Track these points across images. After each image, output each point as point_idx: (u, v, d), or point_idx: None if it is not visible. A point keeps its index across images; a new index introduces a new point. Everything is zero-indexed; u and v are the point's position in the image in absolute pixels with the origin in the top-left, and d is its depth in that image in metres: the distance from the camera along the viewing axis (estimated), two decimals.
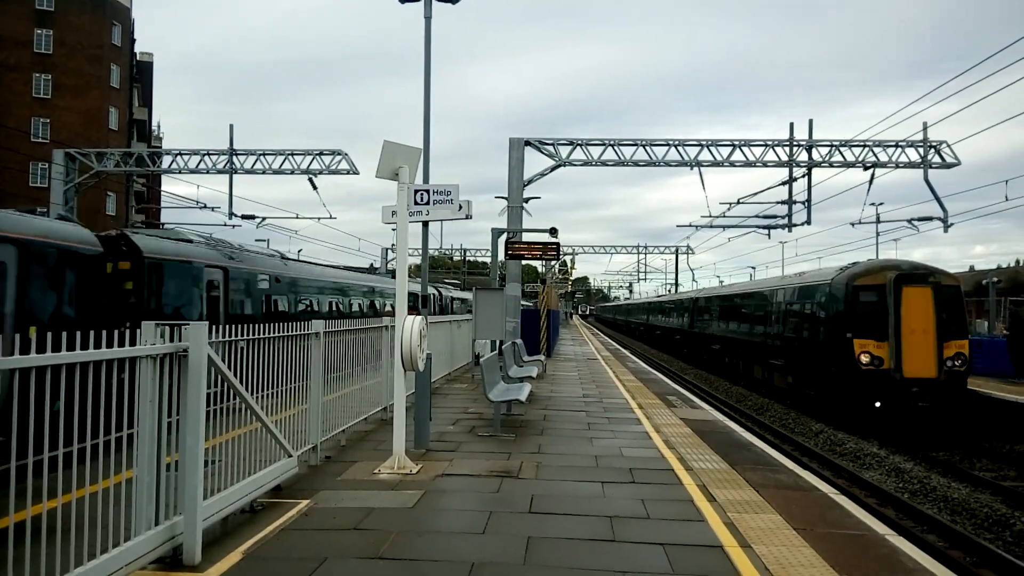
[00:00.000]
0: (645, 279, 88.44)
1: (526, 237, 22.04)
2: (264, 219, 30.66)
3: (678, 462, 8.73)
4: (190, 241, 14.39)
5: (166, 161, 29.61)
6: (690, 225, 34.52)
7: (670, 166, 24.56)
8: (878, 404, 16.87)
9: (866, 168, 24.21)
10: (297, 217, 31.96)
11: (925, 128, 23.43)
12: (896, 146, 23.87)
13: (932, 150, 23.61)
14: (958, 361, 16.97)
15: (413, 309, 9.74)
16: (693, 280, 72.33)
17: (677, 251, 67.32)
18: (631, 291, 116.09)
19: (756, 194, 27.71)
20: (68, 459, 4.02)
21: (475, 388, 15.43)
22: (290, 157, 27.94)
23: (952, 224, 24.54)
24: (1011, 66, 15.92)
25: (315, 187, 28.20)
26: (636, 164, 24.37)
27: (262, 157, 28.05)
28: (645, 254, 69.91)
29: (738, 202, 28.49)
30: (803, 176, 25.32)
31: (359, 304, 24.12)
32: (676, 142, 24.32)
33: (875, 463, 14.34)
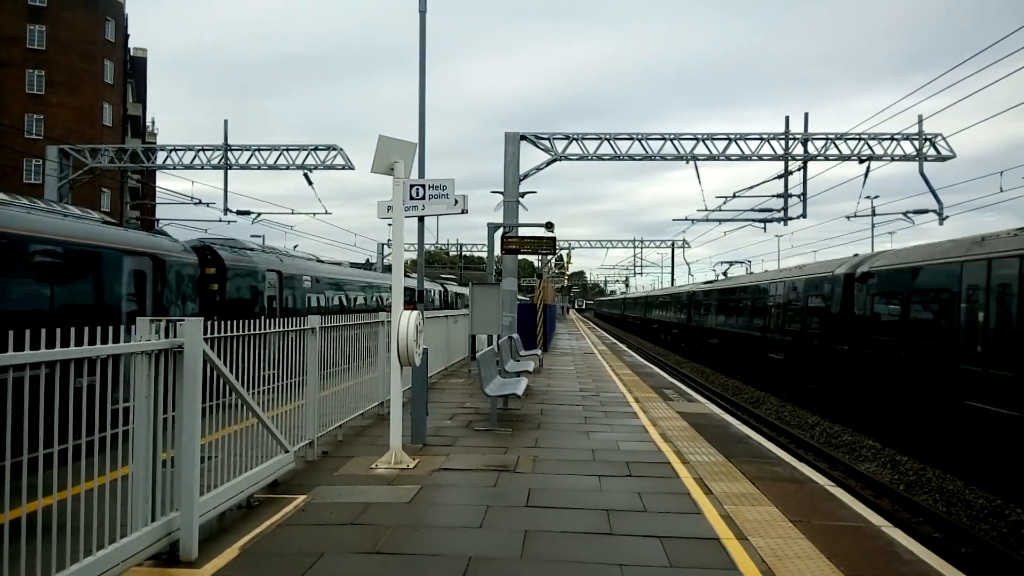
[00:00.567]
0: (641, 273, 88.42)
1: (522, 232, 22.00)
2: (259, 215, 30.65)
3: (675, 455, 8.75)
4: (252, 250, 17.57)
5: (160, 157, 29.51)
6: (686, 219, 34.47)
7: (666, 160, 24.54)
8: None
9: (861, 161, 24.22)
10: (292, 213, 31.95)
11: (920, 121, 23.43)
12: (891, 139, 23.89)
13: (927, 143, 23.62)
14: None
15: (410, 304, 9.73)
16: (690, 274, 72.30)
17: (673, 245, 67.35)
18: (627, 285, 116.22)
19: (752, 188, 27.72)
20: (64, 456, 4.01)
21: (472, 383, 15.44)
22: (285, 152, 27.86)
23: (947, 217, 24.58)
24: (1005, 59, 15.94)
25: (310, 182, 28.15)
26: (632, 158, 24.35)
27: (257, 153, 27.96)
28: (641, 248, 70.01)
29: (734, 196, 28.51)
30: (799, 170, 25.30)
31: (378, 299, 27.95)
32: (672, 136, 24.30)
33: (871, 455, 14.40)
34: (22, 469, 3.70)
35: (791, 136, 24.27)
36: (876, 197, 36.06)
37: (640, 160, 24.53)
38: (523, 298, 34.86)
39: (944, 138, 23.71)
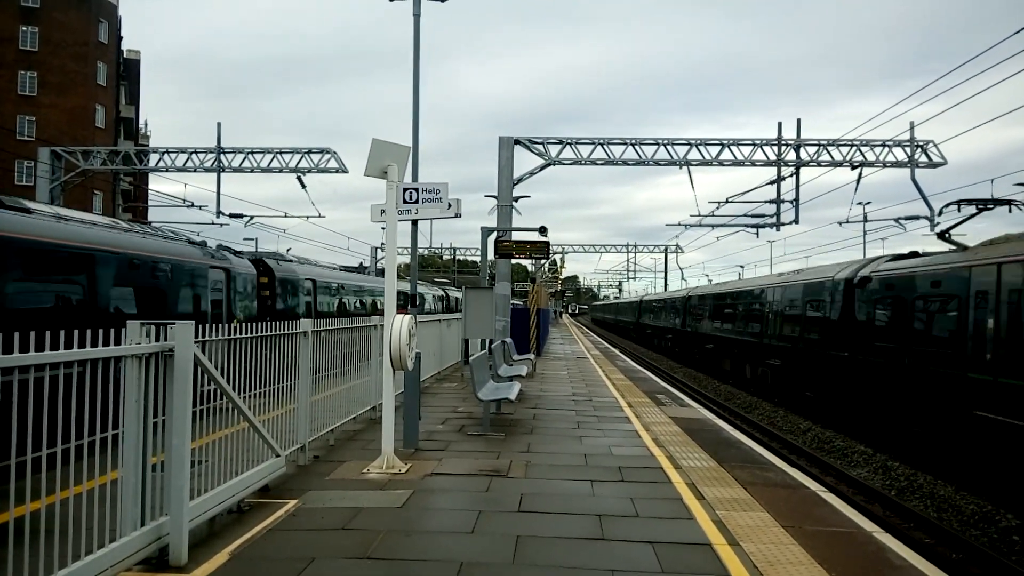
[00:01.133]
0: (635, 278, 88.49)
1: (516, 236, 22.01)
2: (252, 218, 30.50)
3: (667, 460, 8.75)
4: (291, 261, 21.05)
5: (153, 159, 29.40)
6: (679, 224, 34.48)
7: (659, 165, 24.61)
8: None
9: (853, 167, 24.33)
10: (286, 216, 31.79)
11: (912, 128, 23.57)
12: (883, 145, 24.00)
13: (919, 149, 23.75)
14: None
15: (402, 308, 9.71)
16: (682, 279, 72.36)
17: (666, 250, 67.53)
18: (620, 290, 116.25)
19: (744, 193, 27.79)
20: (52, 460, 3.98)
21: (465, 387, 15.41)
22: (278, 155, 27.79)
23: (939, 223, 24.66)
24: (997, 65, 16.05)
25: (304, 186, 28.07)
26: (625, 163, 24.41)
27: (250, 155, 27.90)
28: (635, 253, 70.13)
29: (727, 201, 28.57)
30: (791, 175, 25.40)
31: (431, 299, 33.24)
32: (665, 141, 24.37)
33: (862, 460, 14.43)
34: (10, 473, 3.67)
35: (784, 142, 24.37)
36: (868, 203, 36.38)
37: (633, 165, 24.60)
38: (516, 302, 34.82)
39: (936, 145, 23.85)
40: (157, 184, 54.25)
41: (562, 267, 75.42)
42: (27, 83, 44.76)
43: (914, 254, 16.53)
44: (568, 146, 23.97)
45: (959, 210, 14.87)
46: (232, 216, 29.43)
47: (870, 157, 24.14)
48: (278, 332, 7.43)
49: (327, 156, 27.60)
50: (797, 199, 25.68)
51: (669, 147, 24.35)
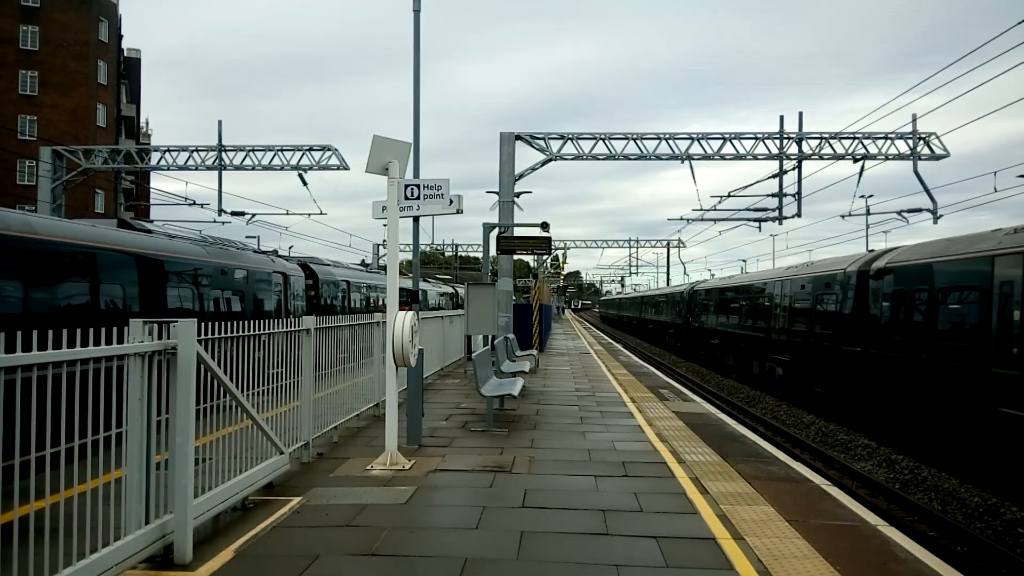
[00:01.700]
0: (637, 273, 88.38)
1: (517, 232, 21.98)
2: (254, 215, 30.52)
3: (670, 455, 8.74)
4: (328, 264, 24.67)
5: (154, 158, 29.38)
6: (681, 219, 34.53)
7: (661, 160, 24.55)
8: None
9: (856, 160, 24.26)
10: (287, 213, 31.81)
11: (914, 120, 23.47)
12: (885, 138, 23.92)
13: (921, 142, 23.67)
14: None
15: (404, 305, 9.71)
16: (685, 274, 72.30)
17: (668, 245, 67.39)
18: (623, 285, 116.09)
19: (746, 187, 27.74)
20: (56, 458, 3.98)
21: (467, 383, 15.42)
22: (280, 153, 27.76)
23: (942, 216, 24.59)
24: (999, 57, 15.97)
25: (305, 183, 28.05)
26: (627, 158, 24.35)
27: (251, 153, 27.86)
28: (637, 248, 70.01)
29: (729, 195, 28.53)
30: (793, 169, 25.33)
31: (440, 301, 37.02)
32: (667, 136, 24.31)
33: (866, 454, 14.41)
34: (14, 472, 3.67)
35: (785, 135, 24.30)
36: (871, 196, 36.18)
37: (635, 160, 24.54)
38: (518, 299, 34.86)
39: (938, 137, 23.76)
40: (159, 183, 54.37)
41: (564, 263, 75.34)
42: (28, 83, 44.74)
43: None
44: (569, 141, 23.92)
45: None
46: (234, 214, 29.45)
47: (872, 150, 24.06)
48: (281, 329, 7.43)
49: (328, 153, 27.57)
50: (799, 192, 25.61)
51: (671, 141, 24.29)
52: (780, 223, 26.90)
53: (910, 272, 15.19)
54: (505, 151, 22.61)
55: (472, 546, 5.46)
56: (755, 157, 24.40)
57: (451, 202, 9.30)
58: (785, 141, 24.34)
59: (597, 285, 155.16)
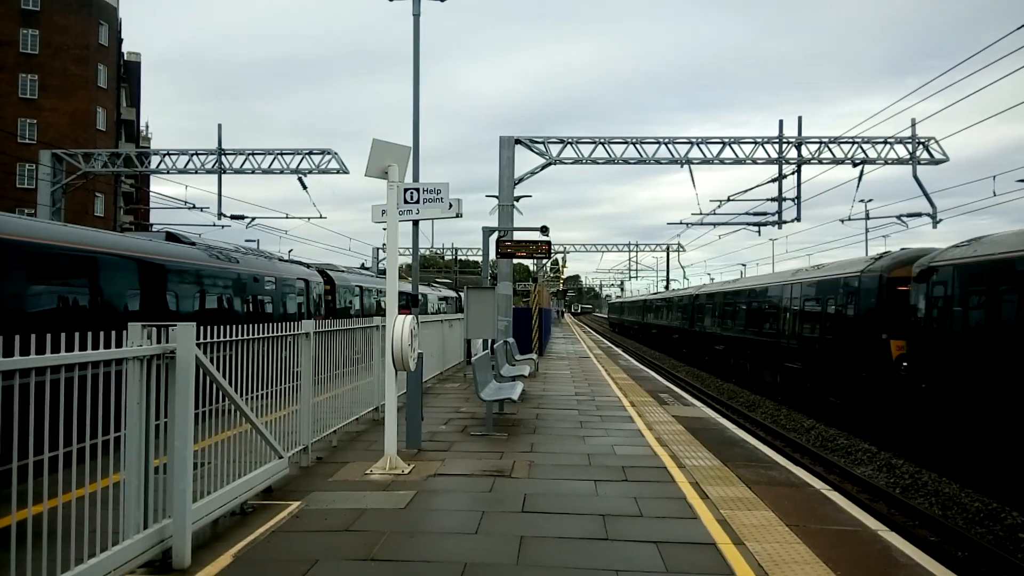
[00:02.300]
0: (636, 277, 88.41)
1: (517, 236, 22.00)
2: (253, 219, 30.51)
3: (671, 460, 8.72)
4: (342, 271, 27.07)
5: (154, 161, 29.41)
6: (680, 223, 34.44)
7: (660, 164, 24.59)
8: None
9: (855, 165, 24.29)
10: (287, 217, 31.81)
11: (913, 124, 23.52)
12: (885, 142, 23.96)
13: (920, 146, 23.70)
14: None
15: (405, 308, 9.70)
16: (685, 278, 72.26)
17: (668, 249, 67.46)
18: (622, 289, 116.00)
19: (746, 191, 27.75)
20: (54, 463, 3.96)
21: (467, 387, 15.40)
22: (279, 157, 27.78)
23: (941, 220, 24.66)
24: (999, 62, 16.01)
25: (305, 187, 28.07)
26: (627, 162, 24.37)
27: (251, 157, 27.88)
28: (636, 252, 70.09)
29: (728, 199, 28.54)
30: (792, 173, 25.36)
31: (440, 305, 40.17)
32: (666, 140, 24.34)
33: (866, 458, 14.39)
34: (11, 476, 3.66)
35: (785, 139, 24.33)
36: (870, 200, 36.18)
37: (635, 164, 24.56)
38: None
39: (937, 141, 23.80)
40: (158, 186, 54.35)
41: (564, 267, 75.31)
42: (28, 86, 44.76)
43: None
44: (569, 145, 23.94)
45: None
46: (233, 217, 29.45)
47: (871, 154, 24.09)
48: (281, 333, 7.41)
49: (328, 157, 27.59)
50: (799, 197, 25.64)
51: (670, 146, 24.32)
52: (780, 227, 26.91)
53: (937, 273, 13.65)
54: (505, 155, 22.63)
55: (471, 551, 5.44)
56: (754, 161, 24.43)
57: (450, 206, 9.30)
58: (784, 145, 24.37)
59: (597, 289, 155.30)
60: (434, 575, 4.98)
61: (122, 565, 4.51)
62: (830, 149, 24.24)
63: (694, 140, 24.31)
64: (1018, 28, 13.75)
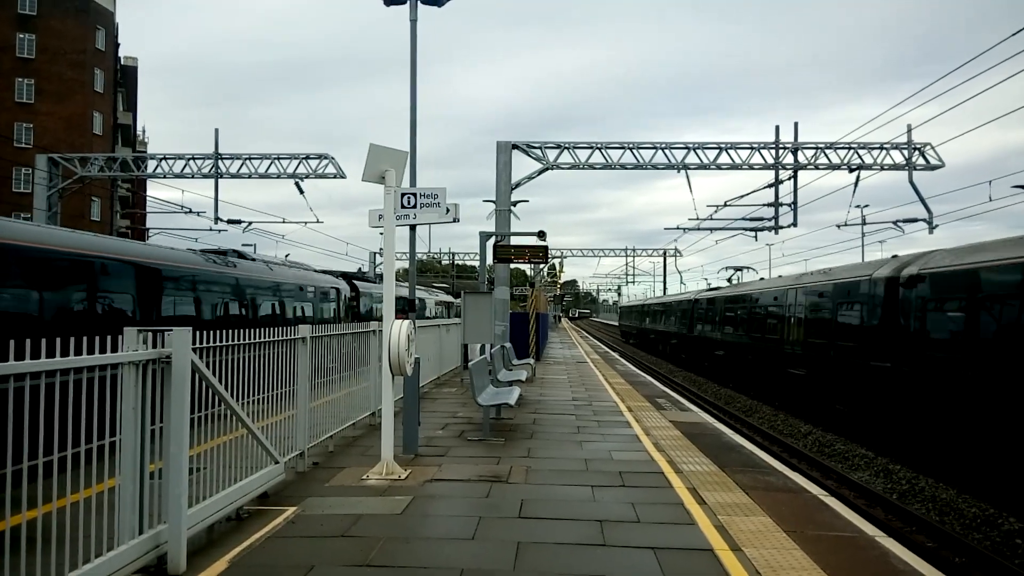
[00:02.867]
0: (633, 282, 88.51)
1: (514, 240, 21.99)
2: (250, 223, 30.51)
3: (668, 465, 8.71)
4: (367, 279, 30.34)
5: (151, 166, 29.42)
6: (677, 228, 34.58)
7: (657, 169, 24.63)
8: None
9: (851, 170, 24.37)
10: (284, 221, 31.81)
11: (909, 130, 23.62)
12: (881, 148, 24.05)
13: (916, 152, 23.80)
14: None
15: (402, 313, 9.68)
16: (682, 283, 72.35)
17: (665, 254, 67.54)
18: (619, 294, 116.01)
19: (743, 196, 27.87)
20: (49, 467, 3.94)
21: (464, 392, 15.37)
22: (276, 161, 27.79)
23: (937, 226, 24.76)
24: (994, 68, 16.07)
25: (302, 191, 28.12)
26: (623, 167, 24.42)
27: (248, 161, 27.88)
28: (633, 257, 70.11)
29: (725, 205, 28.66)
30: (789, 178, 25.46)
31: (437, 310, 45.01)
32: (663, 145, 24.39)
33: (863, 464, 14.38)
34: (6, 481, 3.63)
35: (781, 145, 24.41)
36: (866, 206, 36.36)
37: (631, 169, 24.62)
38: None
39: (933, 147, 23.90)
40: (155, 190, 54.29)
41: (561, 271, 75.40)
42: (24, 90, 44.73)
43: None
44: (566, 150, 23.98)
45: None
46: (230, 222, 29.44)
47: (868, 160, 24.19)
48: (277, 338, 7.39)
49: (325, 162, 27.61)
50: (795, 202, 25.74)
51: (667, 151, 24.37)
52: (776, 232, 27.03)
53: (951, 278, 13.17)
54: (502, 160, 22.65)
55: (468, 557, 5.42)
56: (751, 167, 24.50)
57: (447, 211, 9.30)
58: (781, 151, 24.46)
59: (594, 294, 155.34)
60: None
61: (117, 571, 4.49)
62: (826, 155, 24.32)
63: (691, 145, 24.37)
64: (1016, 33, 13.81)
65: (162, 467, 5.00)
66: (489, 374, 12.72)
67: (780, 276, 27.40)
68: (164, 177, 28.53)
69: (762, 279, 32.49)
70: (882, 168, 24.24)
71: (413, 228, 9.92)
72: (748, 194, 27.54)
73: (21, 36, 44.71)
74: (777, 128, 24.43)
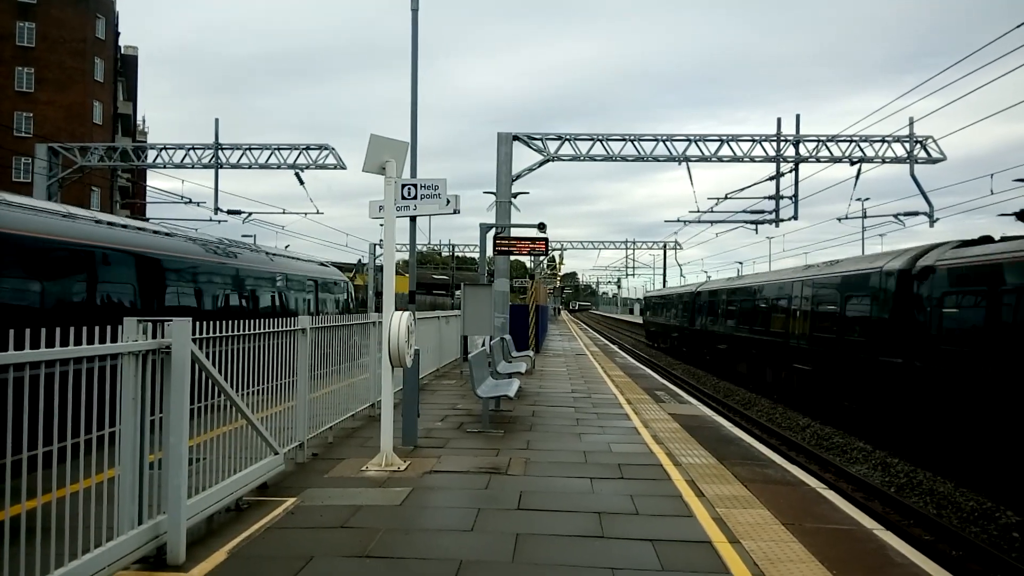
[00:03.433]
0: (633, 274, 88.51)
1: (514, 232, 21.97)
2: (250, 214, 30.47)
3: (666, 457, 8.73)
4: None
5: (151, 155, 29.30)
6: (678, 220, 34.45)
7: (658, 161, 24.56)
8: None
9: (852, 163, 24.29)
10: (284, 212, 31.76)
11: (911, 123, 23.53)
12: (882, 141, 23.97)
13: (918, 145, 23.72)
14: None
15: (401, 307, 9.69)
16: (681, 276, 72.30)
17: (665, 246, 67.46)
18: (619, 287, 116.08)
19: (743, 189, 27.75)
20: (48, 458, 3.95)
21: (463, 384, 15.38)
22: (276, 152, 27.70)
23: (938, 219, 24.68)
24: (997, 61, 16.01)
25: (302, 182, 28.00)
26: (624, 159, 24.35)
27: (248, 151, 27.79)
28: (633, 249, 70.09)
29: (726, 197, 28.52)
30: (790, 171, 25.38)
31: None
32: (664, 137, 24.31)
33: (862, 457, 14.41)
34: (6, 471, 3.64)
35: (783, 138, 24.32)
36: (867, 199, 36.14)
37: (632, 161, 24.55)
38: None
39: (935, 140, 23.81)
40: (155, 180, 54.18)
41: (561, 263, 75.32)
42: (24, 79, 44.61)
43: (986, 239, 13.53)
44: (567, 142, 23.91)
45: None
46: (230, 212, 29.38)
47: (869, 153, 24.10)
48: (277, 329, 7.39)
49: (325, 152, 27.52)
50: (796, 195, 25.67)
51: (668, 143, 24.30)
52: (777, 225, 26.94)
53: (970, 271, 12.76)
54: (503, 151, 22.58)
55: (467, 548, 5.43)
56: (752, 159, 24.42)
57: (448, 202, 9.28)
58: (782, 143, 24.37)
59: (593, 286, 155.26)
60: (430, 572, 4.98)
61: (116, 561, 4.50)
62: (828, 147, 24.24)
63: (692, 137, 24.30)
64: (1018, 26, 13.74)
65: (162, 457, 5.01)
66: (488, 366, 12.73)
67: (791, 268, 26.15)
68: (164, 167, 28.43)
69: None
70: (883, 161, 24.16)
71: (413, 219, 9.91)
72: (749, 187, 27.45)
73: (21, 24, 44.57)
74: (779, 120, 24.35)
